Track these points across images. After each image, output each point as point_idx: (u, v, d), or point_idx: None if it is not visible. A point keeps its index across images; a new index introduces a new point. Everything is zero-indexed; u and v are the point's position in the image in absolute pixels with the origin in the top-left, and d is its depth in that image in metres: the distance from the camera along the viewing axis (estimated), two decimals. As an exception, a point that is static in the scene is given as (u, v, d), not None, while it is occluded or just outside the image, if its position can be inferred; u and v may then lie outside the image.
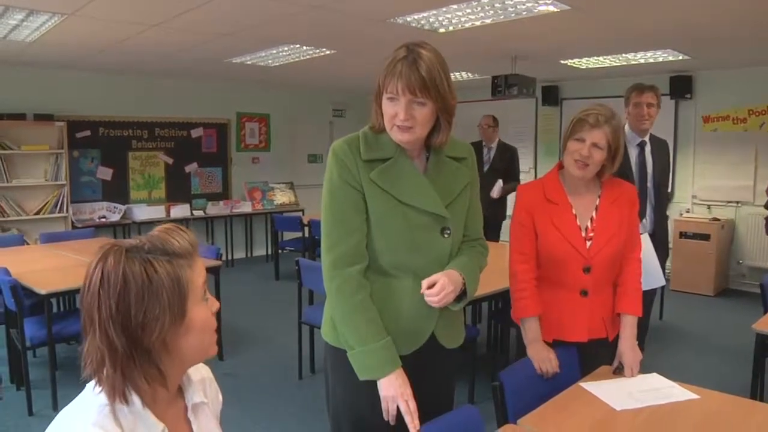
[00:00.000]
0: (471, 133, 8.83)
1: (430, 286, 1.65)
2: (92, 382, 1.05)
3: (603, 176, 2.13)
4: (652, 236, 3.46)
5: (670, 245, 4.48)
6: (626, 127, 3.48)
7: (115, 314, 0.98)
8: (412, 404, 1.61)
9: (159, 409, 1.07)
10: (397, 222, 1.69)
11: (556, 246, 2.10)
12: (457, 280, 1.69)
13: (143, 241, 1.05)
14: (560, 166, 2.19)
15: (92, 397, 1.03)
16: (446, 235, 1.73)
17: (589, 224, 2.12)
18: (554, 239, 2.10)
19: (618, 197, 2.15)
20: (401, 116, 1.61)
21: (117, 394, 1.00)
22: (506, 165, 5.91)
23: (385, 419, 1.64)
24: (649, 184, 3.55)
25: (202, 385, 1.23)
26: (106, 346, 0.99)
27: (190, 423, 1.15)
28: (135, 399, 1.03)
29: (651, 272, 3.05)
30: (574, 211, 2.13)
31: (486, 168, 5.86)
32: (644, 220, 3.51)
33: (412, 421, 1.58)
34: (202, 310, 1.09)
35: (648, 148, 3.55)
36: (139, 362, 1.01)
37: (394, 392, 1.61)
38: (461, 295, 1.74)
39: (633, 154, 3.47)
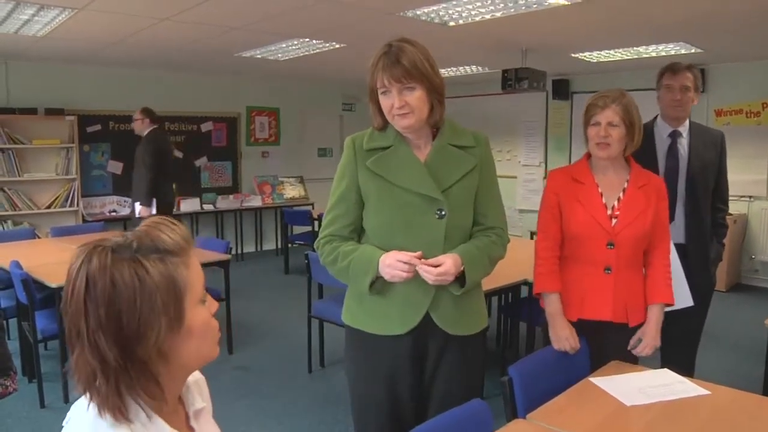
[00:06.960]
0: (483, 126, 8.79)
1: (435, 266, 1.71)
2: (81, 402, 0.95)
3: (626, 153, 2.20)
4: (684, 247, 2.82)
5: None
6: (658, 116, 2.98)
7: (105, 324, 0.88)
8: (406, 255, 1.71)
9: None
10: (389, 202, 1.79)
11: (580, 221, 2.17)
12: (458, 264, 1.74)
13: (129, 238, 0.94)
14: (589, 155, 2.26)
15: (84, 415, 0.93)
16: (440, 216, 1.78)
17: (615, 203, 2.18)
18: (578, 214, 2.18)
19: (646, 184, 2.21)
20: (396, 104, 1.73)
21: (111, 409, 0.91)
22: (150, 156, 5.49)
23: (403, 277, 1.71)
24: (681, 182, 2.89)
25: (198, 388, 1.15)
26: (97, 359, 0.89)
27: (193, 430, 1.09)
28: (139, 411, 0.94)
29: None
30: (600, 190, 2.20)
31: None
32: (672, 225, 2.89)
33: (417, 263, 1.70)
34: (202, 313, 1.00)
35: (685, 141, 2.93)
36: (135, 374, 0.91)
37: (389, 260, 1.72)
38: (463, 281, 1.77)
39: (662, 145, 2.92)
